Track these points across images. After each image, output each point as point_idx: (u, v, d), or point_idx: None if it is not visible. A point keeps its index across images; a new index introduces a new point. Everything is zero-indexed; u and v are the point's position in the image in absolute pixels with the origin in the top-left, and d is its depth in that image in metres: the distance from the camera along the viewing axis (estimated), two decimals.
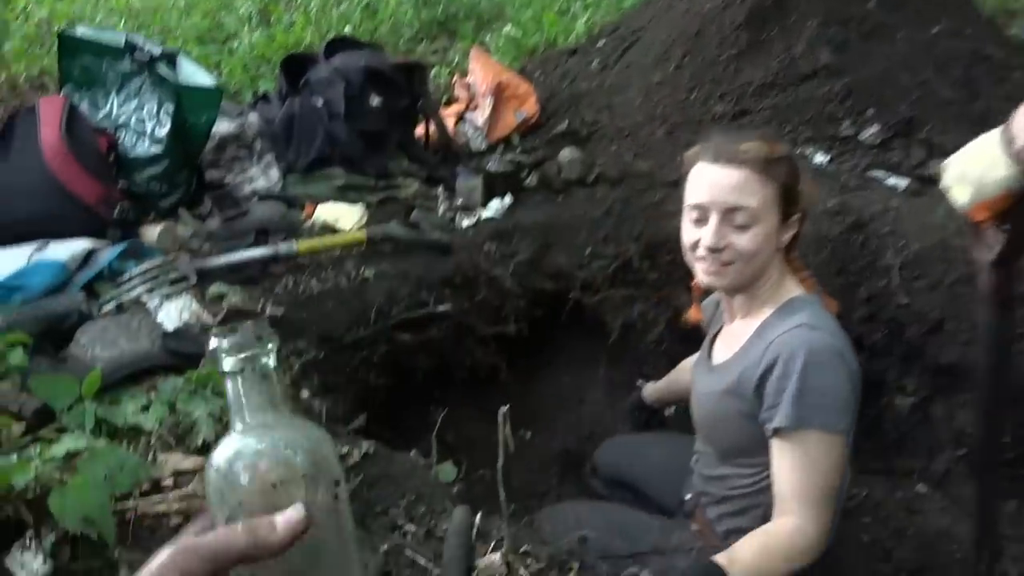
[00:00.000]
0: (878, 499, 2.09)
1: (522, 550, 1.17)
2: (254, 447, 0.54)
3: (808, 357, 1.32)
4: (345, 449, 1.41)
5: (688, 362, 2.02)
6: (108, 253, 1.99)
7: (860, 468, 2.17)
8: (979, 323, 1.35)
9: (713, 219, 1.40)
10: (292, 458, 0.54)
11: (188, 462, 1.34)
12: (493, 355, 2.54)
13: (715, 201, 1.40)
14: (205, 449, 1.38)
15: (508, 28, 4.89)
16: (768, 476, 1.48)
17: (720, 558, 1.23)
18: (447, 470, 1.75)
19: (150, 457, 1.35)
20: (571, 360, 2.79)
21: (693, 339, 2.00)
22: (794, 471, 1.34)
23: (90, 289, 1.94)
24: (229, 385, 0.56)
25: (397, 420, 2.26)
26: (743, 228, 1.39)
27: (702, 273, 1.47)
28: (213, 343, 0.57)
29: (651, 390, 2.18)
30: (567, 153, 2.85)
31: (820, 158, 2.68)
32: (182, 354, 1.57)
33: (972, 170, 1.12)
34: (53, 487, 1.15)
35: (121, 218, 2.15)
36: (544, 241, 2.58)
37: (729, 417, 1.47)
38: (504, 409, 1.02)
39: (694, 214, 1.44)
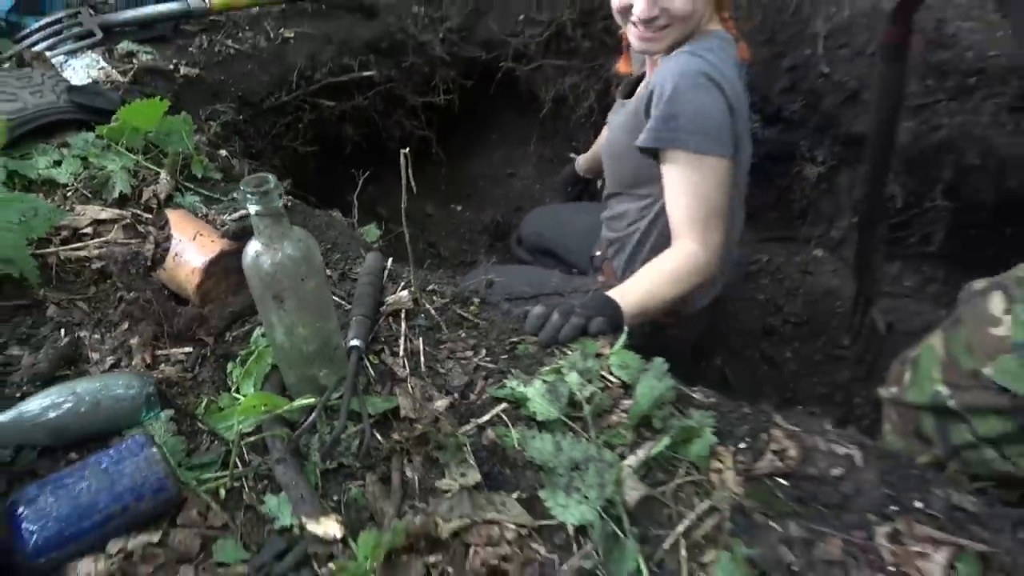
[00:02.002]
0: (778, 263, 2.27)
1: (429, 288, 1.27)
2: (271, 256, 0.92)
3: (679, 80, 1.35)
4: None
5: None
6: (2, 4, 1.85)
7: (766, 236, 2.34)
8: (875, 74, 1.40)
9: None
10: (292, 261, 0.92)
11: (106, 213, 1.37)
12: (423, 127, 2.53)
13: None
14: (122, 201, 1.41)
15: None
16: (657, 207, 1.56)
17: (612, 292, 1.34)
18: (371, 231, 1.81)
19: (67, 208, 1.37)
20: (502, 135, 2.80)
21: None
22: (678, 194, 1.40)
23: None
24: (253, 219, 0.90)
25: (326, 192, 2.30)
26: None
27: (636, 39, 1.45)
28: (241, 195, 0.91)
29: (583, 160, 2.23)
30: None
31: None
32: (91, 108, 1.54)
33: None
34: None
35: None
36: (476, 5, 2.48)
37: (626, 145, 1.53)
38: (405, 151, 1.05)
39: None
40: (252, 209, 0.89)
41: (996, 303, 1.09)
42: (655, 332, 1.69)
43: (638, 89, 1.59)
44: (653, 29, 1.42)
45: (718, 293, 1.75)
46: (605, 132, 2.10)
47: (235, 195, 1.46)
